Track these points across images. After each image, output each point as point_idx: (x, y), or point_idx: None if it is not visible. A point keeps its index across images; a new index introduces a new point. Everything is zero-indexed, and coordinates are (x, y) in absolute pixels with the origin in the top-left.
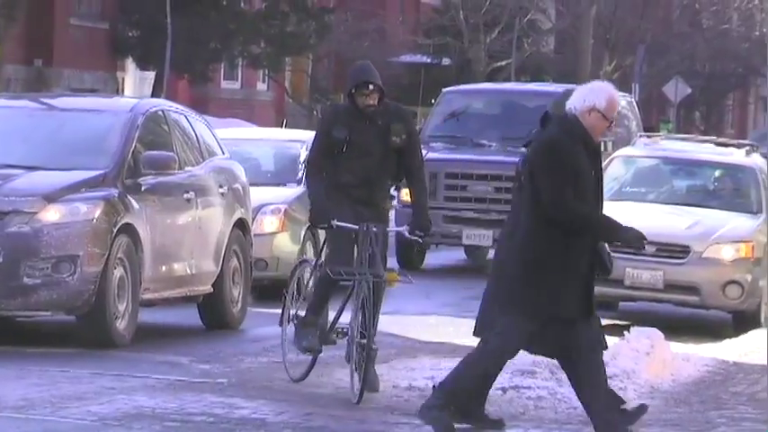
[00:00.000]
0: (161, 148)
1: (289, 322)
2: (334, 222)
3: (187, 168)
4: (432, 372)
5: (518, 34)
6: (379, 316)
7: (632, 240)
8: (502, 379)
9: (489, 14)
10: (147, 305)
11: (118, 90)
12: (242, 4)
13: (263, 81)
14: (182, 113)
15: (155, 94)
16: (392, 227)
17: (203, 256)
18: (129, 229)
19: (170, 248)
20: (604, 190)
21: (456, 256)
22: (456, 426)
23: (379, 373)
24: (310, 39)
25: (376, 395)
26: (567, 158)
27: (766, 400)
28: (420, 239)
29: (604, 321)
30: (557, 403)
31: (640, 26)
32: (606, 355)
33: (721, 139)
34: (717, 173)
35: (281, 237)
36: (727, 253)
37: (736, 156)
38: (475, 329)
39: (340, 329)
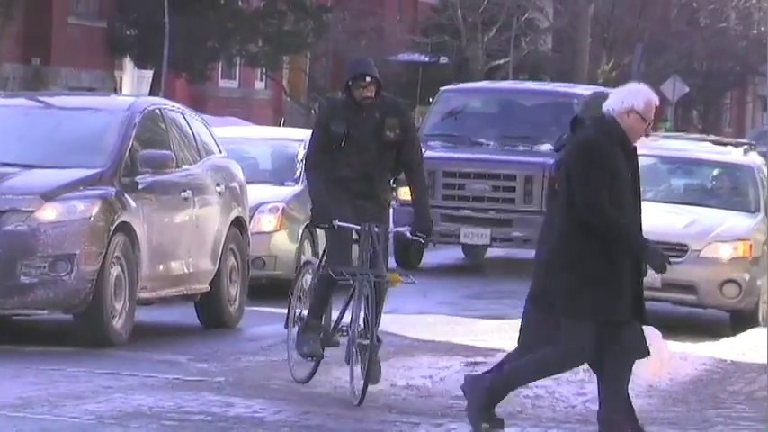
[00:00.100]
0: (158, 147)
1: (294, 324)
2: (336, 223)
3: (184, 167)
4: (429, 370)
5: (516, 33)
6: (381, 315)
7: (656, 266)
8: None
9: (487, 13)
10: (144, 304)
11: (115, 89)
12: (240, 3)
13: (261, 80)
14: (179, 112)
15: (152, 93)
16: (392, 227)
17: (200, 255)
18: (126, 228)
19: (167, 247)
20: None
21: (454, 254)
22: (456, 426)
23: None
24: (308, 38)
25: (374, 394)
26: (604, 159)
27: (764, 398)
28: (421, 240)
29: None
30: (554, 402)
31: (638, 25)
32: None
33: (719, 138)
34: (714, 172)
35: (279, 235)
36: (725, 252)
37: (733, 154)
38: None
39: (342, 329)
